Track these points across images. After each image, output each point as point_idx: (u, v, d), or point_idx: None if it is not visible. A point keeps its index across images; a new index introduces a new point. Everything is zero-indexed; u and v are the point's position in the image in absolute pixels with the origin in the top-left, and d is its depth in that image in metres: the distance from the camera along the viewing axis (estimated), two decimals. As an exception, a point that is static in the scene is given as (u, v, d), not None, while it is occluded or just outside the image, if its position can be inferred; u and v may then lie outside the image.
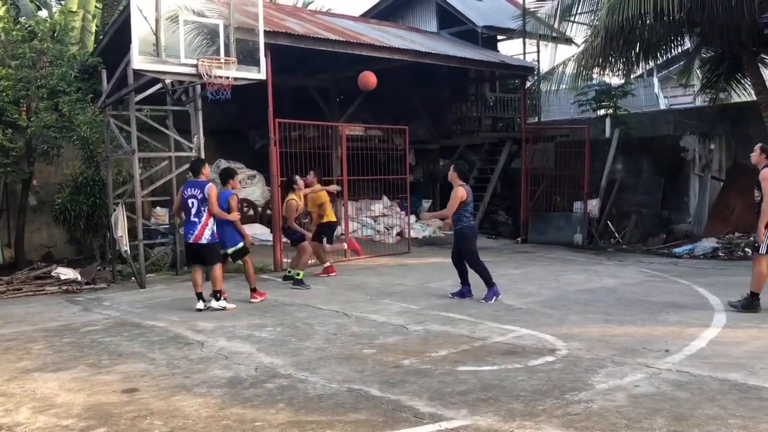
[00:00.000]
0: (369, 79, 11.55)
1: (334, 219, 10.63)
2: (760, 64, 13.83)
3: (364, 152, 13.14)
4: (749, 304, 7.22)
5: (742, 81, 14.38)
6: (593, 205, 14.63)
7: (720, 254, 11.88)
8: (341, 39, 12.69)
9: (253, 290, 8.48)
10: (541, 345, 6.00)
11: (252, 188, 15.62)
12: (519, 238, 15.21)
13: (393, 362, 5.54)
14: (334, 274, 10.40)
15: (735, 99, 15.15)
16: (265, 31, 9.84)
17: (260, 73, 9.53)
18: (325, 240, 10.39)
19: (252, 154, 16.59)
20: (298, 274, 9.52)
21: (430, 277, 10.12)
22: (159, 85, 10.07)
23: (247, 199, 15.16)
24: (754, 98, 13.55)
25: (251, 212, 15.38)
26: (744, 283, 7.64)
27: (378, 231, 15.17)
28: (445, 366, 5.38)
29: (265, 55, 9.83)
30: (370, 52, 13.17)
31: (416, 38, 15.98)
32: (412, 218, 15.53)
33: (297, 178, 10.00)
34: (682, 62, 16.54)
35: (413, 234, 14.97)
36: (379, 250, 13.15)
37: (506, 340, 6.21)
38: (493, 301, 8.04)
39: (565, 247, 13.96)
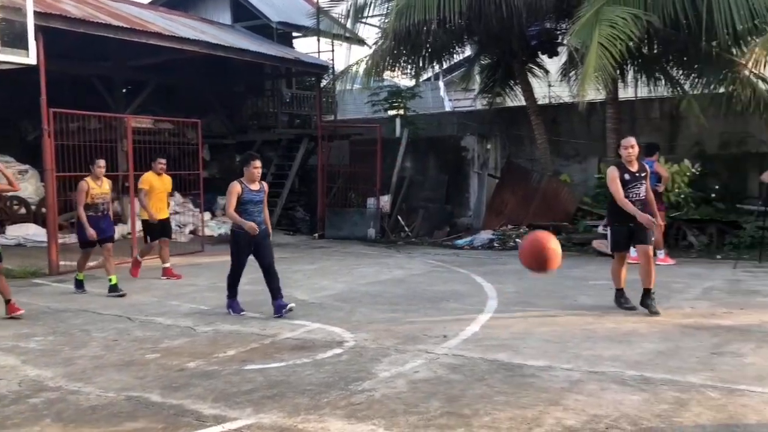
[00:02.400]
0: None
1: (148, 216, 9.66)
2: (529, 73, 15.30)
3: (154, 146, 12.48)
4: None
5: (514, 87, 15.80)
6: (385, 200, 15.25)
7: (495, 245, 12.96)
8: (126, 26, 11.94)
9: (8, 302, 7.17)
10: (330, 338, 6.11)
11: (24, 184, 14.15)
12: (316, 234, 15.42)
13: (178, 366, 5.32)
14: (174, 277, 9.75)
15: (509, 103, 16.59)
16: (35, 12, 8.97)
17: (29, 57, 8.66)
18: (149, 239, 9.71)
19: (24, 146, 15.07)
20: (111, 280, 8.50)
21: (223, 276, 9.82)
22: None
23: (18, 197, 13.73)
24: (525, 103, 14.96)
25: (23, 210, 13.96)
26: (513, 271, 8.38)
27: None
28: (233, 366, 5.28)
29: (36, 39, 8.96)
30: (157, 41, 12.54)
31: (208, 30, 15.51)
32: (207, 215, 15.08)
33: (101, 161, 8.74)
34: (464, 68, 17.80)
35: (208, 232, 14.53)
36: (171, 249, 12.56)
37: (296, 336, 6.24)
38: (230, 313, 7.24)
39: (359, 242, 14.40)
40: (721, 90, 12.33)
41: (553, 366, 5.07)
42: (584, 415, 4.06)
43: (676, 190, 12.30)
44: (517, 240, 12.91)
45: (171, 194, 10.74)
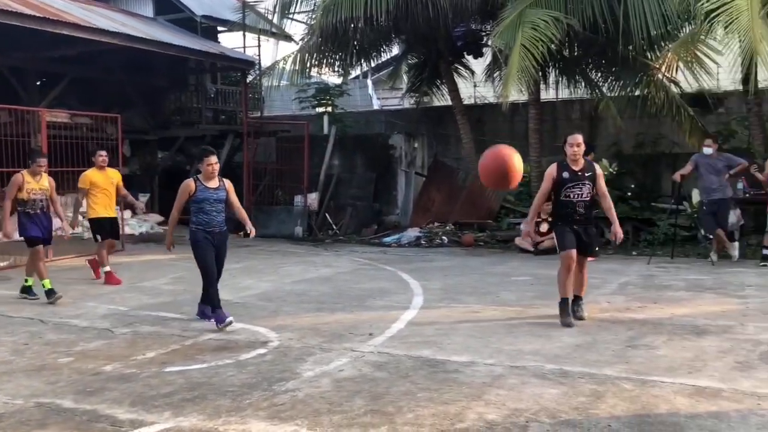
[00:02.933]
0: None
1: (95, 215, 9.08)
2: (455, 73, 15.50)
3: (71, 141, 11.98)
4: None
5: (441, 87, 15.98)
6: (313, 198, 15.14)
7: (422, 242, 13.08)
8: (38, 15, 11.40)
9: None
10: (254, 338, 6.01)
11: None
12: (242, 232, 15.13)
13: (93, 369, 5.11)
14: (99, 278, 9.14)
15: (436, 103, 16.78)
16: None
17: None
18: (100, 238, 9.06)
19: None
20: (26, 281, 8.00)
21: (143, 276, 9.58)
22: None
23: None
24: (451, 103, 15.15)
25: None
26: (439, 268, 8.48)
27: (87, 227, 13.93)
28: (152, 368, 5.11)
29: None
30: (73, 32, 12.05)
31: (129, 22, 15.01)
32: (127, 213, 14.58)
33: (43, 159, 8.14)
34: (392, 66, 17.88)
35: (128, 230, 14.05)
36: (89, 248, 12.09)
37: (219, 336, 6.11)
38: (201, 320, 6.69)
39: (286, 240, 14.25)
40: (637, 93, 12.82)
41: (476, 361, 5.15)
42: (505, 409, 4.14)
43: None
44: (443, 238, 13.08)
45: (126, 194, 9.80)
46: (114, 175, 9.30)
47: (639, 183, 13.58)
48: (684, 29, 12.11)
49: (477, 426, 3.89)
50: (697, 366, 4.92)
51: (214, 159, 6.57)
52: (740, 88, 12.28)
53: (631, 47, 12.22)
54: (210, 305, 6.50)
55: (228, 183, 6.79)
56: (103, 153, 9.20)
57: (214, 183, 6.60)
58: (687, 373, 4.77)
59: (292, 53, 14.99)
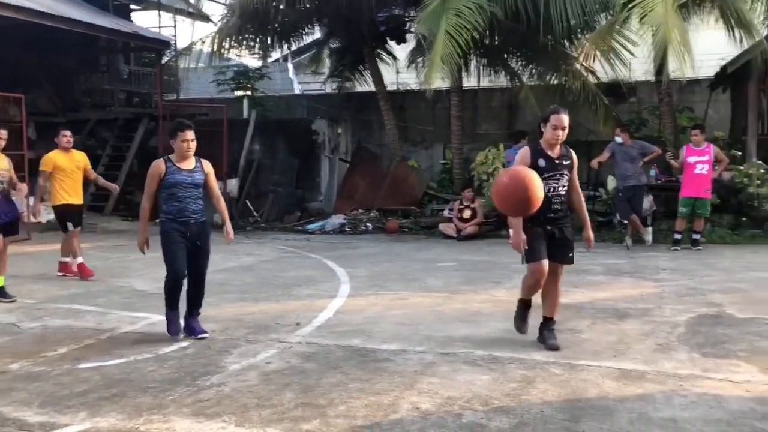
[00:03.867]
0: None
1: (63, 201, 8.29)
2: (378, 59, 15.40)
3: (-33, 123, 11.16)
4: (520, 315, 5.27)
5: (364, 72, 15.85)
6: (233, 184, 14.73)
7: (347, 229, 12.96)
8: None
9: None
10: (175, 330, 5.74)
11: None
12: (157, 219, 14.58)
13: (-3, 368, 4.74)
14: (71, 274, 8.29)
15: (359, 88, 16.63)
16: None
17: None
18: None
19: None
20: None
21: (53, 266, 9.02)
22: None
23: None
24: (374, 89, 15.05)
25: None
26: (365, 255, 8.38)
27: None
28: (64, 365, 4.79)
29: None
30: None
31: (34, -4, 14.08)
32: (32, 200, 13.76)
33: (3, 131, 7.24)
34: (314, 50, 17.60)
35: (34, 219, 13.25)
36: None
37: (137, 329, 5.81)
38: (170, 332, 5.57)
39: (205, 228, 13.80)
40: (555, 81, 13.10)
41: (407, 349, 5.09)
42: (438, 397, 4.09)
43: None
44: (368, 224, 13.00)
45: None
46: (80, 158, 8.50)
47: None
48: (602, 20, 12.44)
49: (411, 416, 3.83)
50: (621, 349, 5.03)
51: (190, 134, 5.42)
52: (653, 78, 12.73)
53: (550, 37, 12.45)
54: (168, 307, 5.54)
55: (207, 164, 5.68)
56: (68, 133, 8.39)
57: (188, 164, 5.51)
58: (612, 356, 4.87)
59: (210, 34, 14.50)
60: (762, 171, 10.82)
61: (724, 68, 11.99)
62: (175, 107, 16.24)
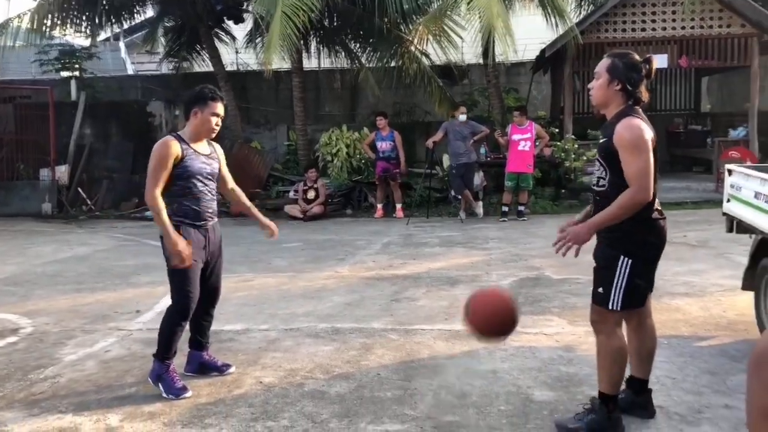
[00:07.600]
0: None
1: None
2: (215, 38, 15.04)
3: None
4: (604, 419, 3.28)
5: (201, 52, 15.42)
6: (62, 171, 13.84)
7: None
8: None
9: None
10: (2, 327, 5.42)
11: None
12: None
13: None
14: None
15: (197, 69, 16.13)
16: None
17: None
18: None
19: None
20: None
21: None
22: None
23: None
24: (213, 69, 14.70)
25: None
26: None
27: None
28: None
29: None
30: None
31: None
32: None
33: None
34: (147, 29, 16.81)
35: None
36: None
37: (-42, 328, 5.42)
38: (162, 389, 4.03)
39: (32, 218, 12.89)
40: (393, 64, 13.53)
41: (251, 328, 5.18)
42: (281, 370, 4.24)
43: (358, 156, 13.27)
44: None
45: None
46: None
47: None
48: (434, 4, 12.99)
49: (254, 390, 3.95)
50: (452, 312, 5.44)
51: (222, 108, 4.02)
52: (481, 61, 13.53)
53: (386, 20, 12.82)
54: (165, 356, 3.95)
55: (219, 149, 4.23)
56: None
57: (204, 148, 4.06)
58: (444, 319, 5.26)
59: (29, 10, 13.42)
60: (576, 146, 11.92)
61: (542, 52, 12.98)
62: (-9, 89, 14.92)
